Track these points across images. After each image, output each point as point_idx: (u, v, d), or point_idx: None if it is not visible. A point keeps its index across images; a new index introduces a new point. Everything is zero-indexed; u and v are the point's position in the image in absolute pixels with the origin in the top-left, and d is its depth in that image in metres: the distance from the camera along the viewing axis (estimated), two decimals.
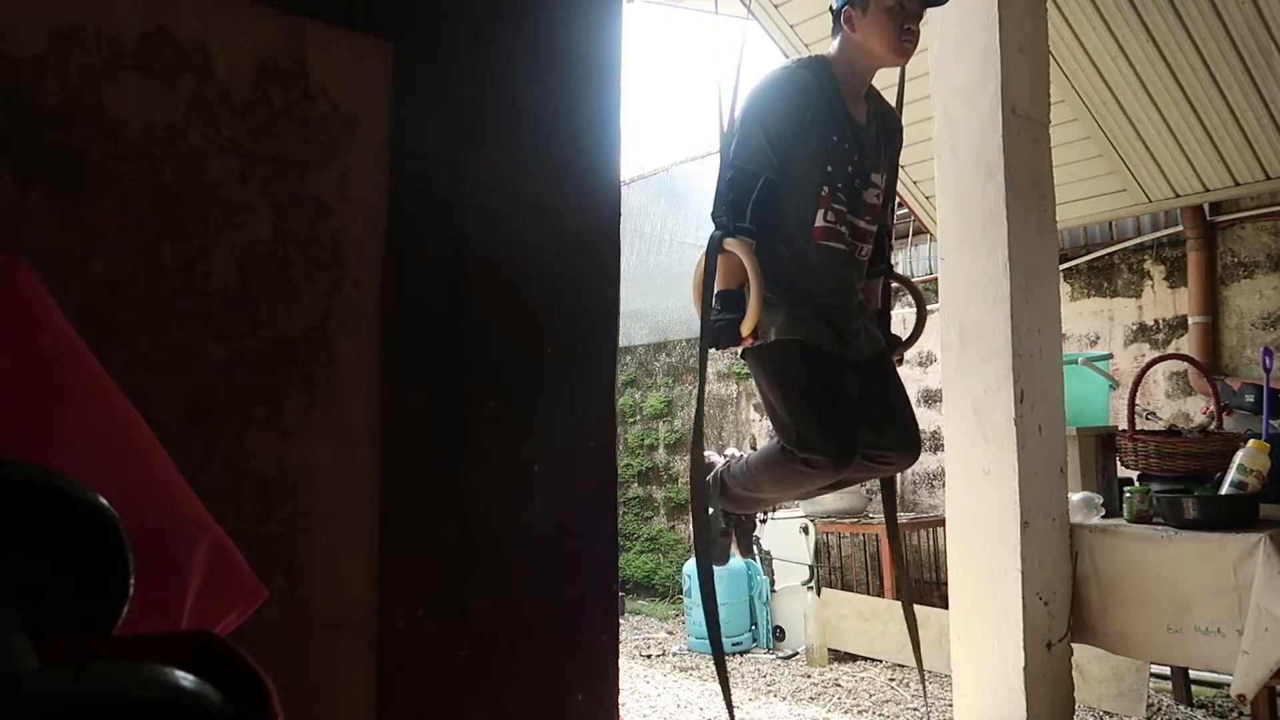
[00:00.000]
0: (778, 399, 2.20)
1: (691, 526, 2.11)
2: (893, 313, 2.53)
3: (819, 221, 2.20)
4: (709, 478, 2.48)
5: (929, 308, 2.55)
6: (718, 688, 2.60)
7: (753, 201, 2.11)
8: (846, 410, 2.21)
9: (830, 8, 2.30)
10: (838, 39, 2.27)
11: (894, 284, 2.53)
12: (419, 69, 0.90)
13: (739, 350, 2.20)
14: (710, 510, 2.48)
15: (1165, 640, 2.56)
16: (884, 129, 2.35)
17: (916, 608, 2.66)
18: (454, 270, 0.92)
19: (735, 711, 2.17)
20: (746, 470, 2.35)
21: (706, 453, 2.59)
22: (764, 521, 2.70)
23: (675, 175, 7.38)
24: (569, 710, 0.97)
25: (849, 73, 2.25)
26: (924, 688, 2.75)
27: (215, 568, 0.57)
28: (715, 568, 2.47)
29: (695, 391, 6.86)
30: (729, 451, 2.57)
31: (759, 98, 2.20)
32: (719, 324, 2.07)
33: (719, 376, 6.65)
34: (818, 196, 2.19)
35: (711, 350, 2.16)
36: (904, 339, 2.45)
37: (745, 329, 2.06)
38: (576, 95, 1.03)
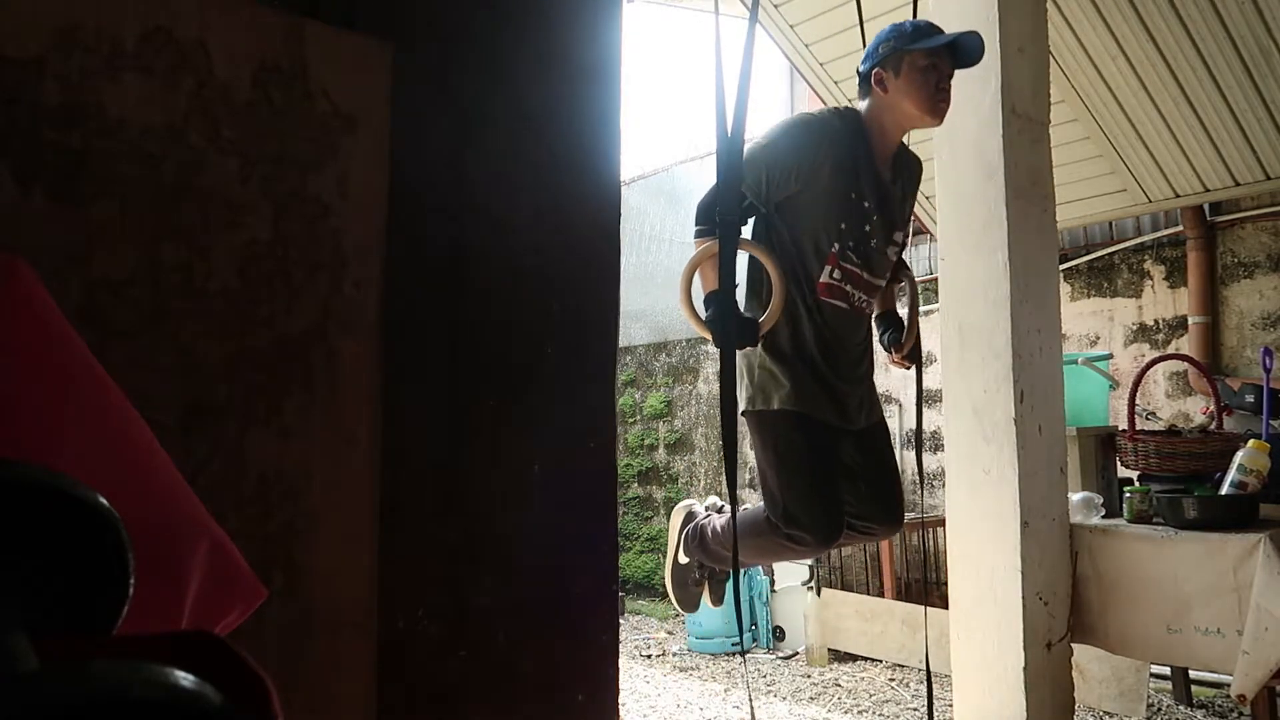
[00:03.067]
0: (771, 471, 2.18)
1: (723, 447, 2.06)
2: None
3: (824, 278, 2.15)
4: (689, 527, 2.48)
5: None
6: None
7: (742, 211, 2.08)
8: (838, 489, 2.20)
9: (858, 70, 2.23)
10: (867, 101, 2.19)
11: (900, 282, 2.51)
12: (419, 69, 0.90)
13: (744, 414, 2.17)
14: (686, 560, 2.50)
15: (1165, 640, 2.56)
16: (909, 182, 2.31)
17: (916, 608, 2.67)
18: (454, 270, 0.92)
19: (751, 700, 2.18)
20: (726, 530, 2.32)
21: (688, 501, 2.61)
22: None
23: (675, 175, 7.38)
24: (569, 710, 0.97)
25: (880, 132, 2.19)
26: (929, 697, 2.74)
27: (215, 568, 0.57)
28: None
29: (696, 390, 6.81)
30: (711, 500, 2.56)
31: (779, 131, 2.14)
32: (740, 323, 1.98)
33: (718, 375, 6.64)
34: (828, 253, 2.14)
35: (715, 349, 2.12)
36: (905, 330, 2.43)
37: (767, 326, 2.04)
38: (576, 95, 1.03)
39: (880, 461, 2.33)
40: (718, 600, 2.59)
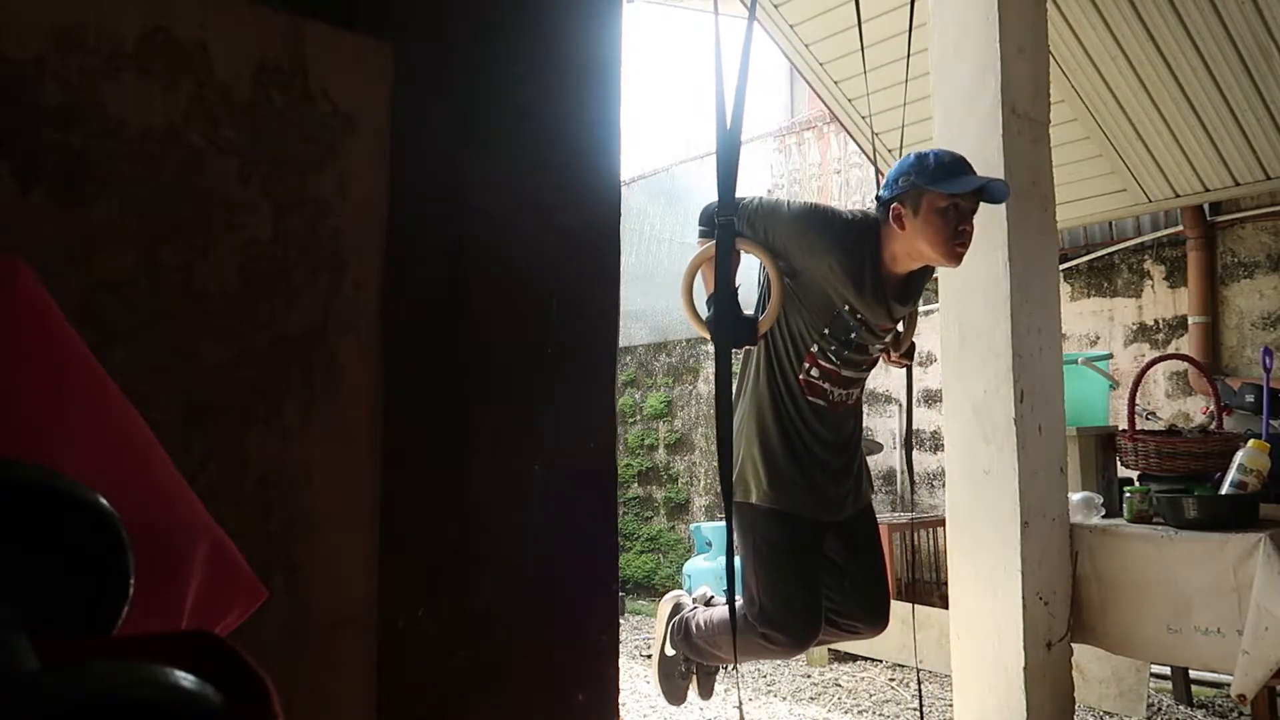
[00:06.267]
0: (749, 566, 2.14)
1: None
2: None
3: (802, 375, 2.12)
4: (676, 619, 2.43)
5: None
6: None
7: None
8: (817, 591, 2.14)
9: (877, 196, 2.13)
10: (885, 230, 2.09)
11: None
12: (419, 69, 0.90)
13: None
14: (672, 652, 2.44)
15: (1165, 640, 2.56)
16: (915, 294, 2.23)
17: (916, 608, 2.66)
18: (454, 270, 0.92)
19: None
20: (706, 627, 2.30)
21: (675, 592, 2.58)
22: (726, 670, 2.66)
23: (675, 175, 7.38)
24: (569, 710, 0.97)
25: (892, 259, 2.10)
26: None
27: (215, 568, 0.57)
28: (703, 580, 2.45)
29: (696, 390, 6.82)
30: (699, 594, 2.51)
31: (796, 213, 2.08)
32: (737, 323, 1.94)
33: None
34: (807, 351, 2.11)
35: (712, 350, 2.11)
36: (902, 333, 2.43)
37: (765, 326, 2.01)
38: (576, 95, 1.03)
39: (865, 556, 2.26)
40: (706, 694, 2.51)
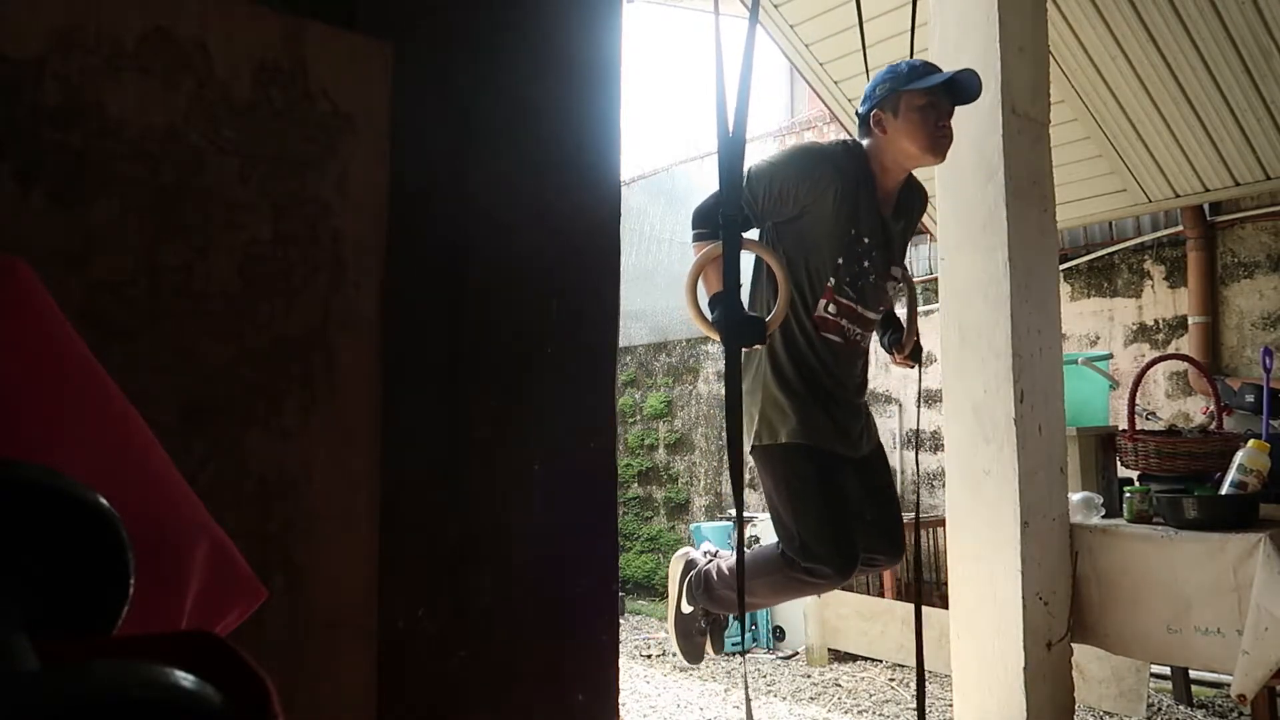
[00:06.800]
0: (784, 503, 2.16)
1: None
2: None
3: (820, 311, 2.15)
4: (691, 575, 2.44)
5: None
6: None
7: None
8: (851, 519, 2.19)
9: (857, 113, 2.24)
10: (869, 141, 2.20)
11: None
12: (419, 69, 0.90)
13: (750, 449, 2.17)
14: (689, 609, 2.45)
15: (1165, 640, 2.56)
16: (911, 214, 2.31)
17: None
18: (454, 270, 0.92)
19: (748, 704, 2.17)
20: (734, 572, 2.30)
21: (685, 549, 2.59)
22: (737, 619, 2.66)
23: (675, 175, 7.38)
24: (569, 710, 0.97)
25: (882, 171, 2.19)
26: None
27: (215, 568, 0.57)
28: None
29: (696, 390, 6.82)
30: (706, 548, 2.52)
31: (786, 154, 2.14)
32: (746, 323, 1.94)
33: (719, 376, 6.65)
34: (824, 286, 2.15)
35: (715, 349, 2.14)
36: (904, 332, 2.44)
37: (773, 326, 2.03)
38: (576, 95, 1.03)
39: (882, 491, 2.33)
40: (719, 648, 2.55)
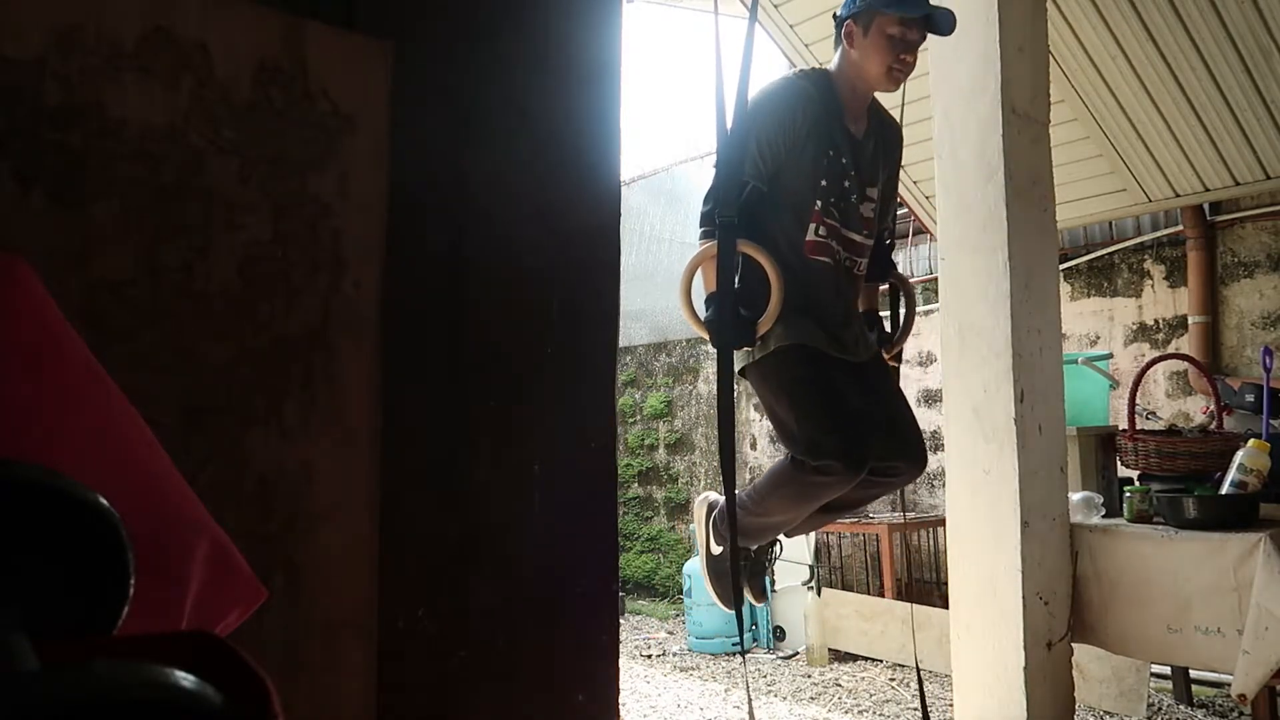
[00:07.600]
0: (784, 407, 2.16)
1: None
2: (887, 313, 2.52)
3: (810, 236, 2.17)
4: (714, 514, 2.41)
5: (929, 308, 2.55)
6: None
7: (740, 205, 2.08)
8: (852, 410, 2.16)
9: (835, 14, 2.27)
10: (838, 52, 2.24)
11: (890, 282, 2.52)
12: (419, 69, 0.90)
13: (740, 368, 2.17)
14: (719, 549, 2.41)
15: (1165, 640, 2.56)
16: (883, 141, 2.32)
17: (916, 608, 2.64)
18: (454, 270, 0.92)
19: (751, 703, 2.16)
20: (754, 496, 2.28)
21: (705, 493, 2.57)
22: (778, 557, 2.62)
23: (675, 175, 7.38)
24: (569, 710, 0.97)
25: (849, 89, 2.23)
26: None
27: (215, 568, 0.57)
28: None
29: (696, 390, 6.81)
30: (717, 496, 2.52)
31: (758, 106, 2.15)
32: (737, 324, 1.99)
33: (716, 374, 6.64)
34: (811, 211, 2.16)
35: (712, 350, 2.13)
36: (895, 336, 2.45)
37: (764, 327, 2.04)
38: (576, 95, 1.03)
39: (890, 397, 2.31)
40: (759, 594, 2.52)
